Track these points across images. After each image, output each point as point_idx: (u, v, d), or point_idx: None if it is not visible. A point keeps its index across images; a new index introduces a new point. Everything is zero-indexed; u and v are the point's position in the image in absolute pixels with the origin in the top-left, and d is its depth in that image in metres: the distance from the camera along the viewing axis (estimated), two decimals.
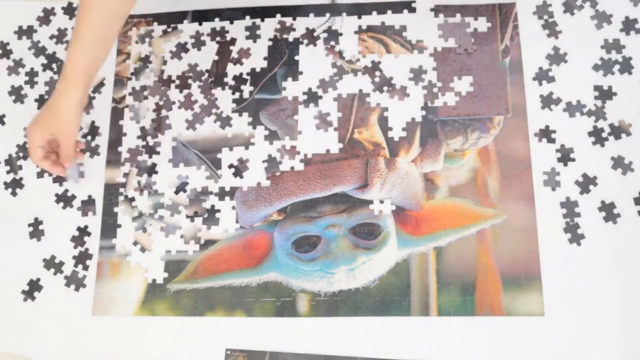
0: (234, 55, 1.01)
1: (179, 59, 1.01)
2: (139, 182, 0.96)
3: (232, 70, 1.00)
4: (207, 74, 1.00)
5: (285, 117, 0.97)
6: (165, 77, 1.01)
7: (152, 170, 0.96)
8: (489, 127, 0.93)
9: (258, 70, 1.00)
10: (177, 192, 0.95)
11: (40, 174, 0.98)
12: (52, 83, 1.02)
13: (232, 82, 0.99)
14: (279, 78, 0.99)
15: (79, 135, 0.96)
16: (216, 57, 1.01)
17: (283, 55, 1.00)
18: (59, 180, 0.97)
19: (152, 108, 0.99)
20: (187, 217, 0.94)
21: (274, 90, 0.99)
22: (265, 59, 1.00)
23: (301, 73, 0.99)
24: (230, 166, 0.95)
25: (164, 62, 1.01)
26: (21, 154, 0.99)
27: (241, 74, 1.00)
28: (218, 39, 1.02)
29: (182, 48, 1.02)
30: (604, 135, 0.91)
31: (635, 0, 0.97)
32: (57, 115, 0.87)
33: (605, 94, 0.93)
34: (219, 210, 0.93)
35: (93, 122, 1.00)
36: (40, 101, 1.01)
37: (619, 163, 0.90)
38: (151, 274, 0.92)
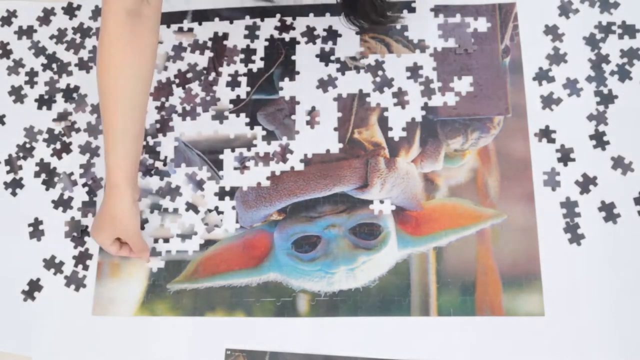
0: (229, 46, 1.01)
1: (180, 60, 1.01)
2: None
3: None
4: (206, 72, 1.00)
5: (283, 117, 0.97)
6: (164, 78, 1.00)
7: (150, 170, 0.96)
8: (489, 127, 0.93)
9: (255, 70, 1.00)
10: (144, 175, 0.96)
11: (37, 174, 0.98)
12: (52, 83, 1.02)
13: (243, 56, 1.00)
14: (275, 78, 0.99)
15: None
16: (211, 54, 1.01)
17: (280, 55, 1.00)
18: (52, 184, 0.97)
19: (155, 109, 0.99)
20: (186, 210, 0.94)
21: (270, 90, 0.99)
22: (262, 59, 1.00)
23: (298, 73, 0.99)
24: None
25: (165, 67, 1.01)
26: (21, 154, 0.99)
27: (248, 45, 1.01)
28: (211, 36, 1.02)
29: (180, 49, 1.02)
30: (605, 139, 0.91)
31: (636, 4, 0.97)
32: (114, 222, 0.85)
33: (606, 98, 0.93)
34: (222, 212, 0.93)
35: (90, 122, 1.00)
36: (40, 101, 1.01)
37: (619, 163, 0.90)
38: (151, 273, 0.92)
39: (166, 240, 0.93)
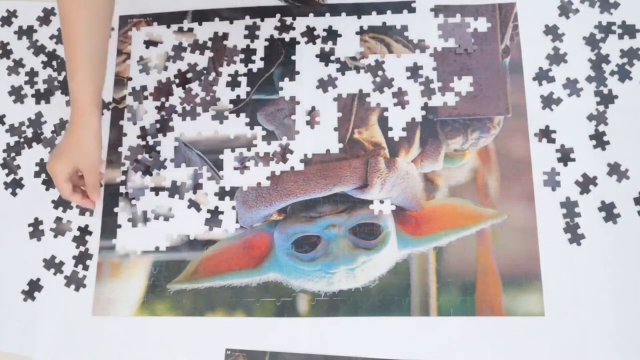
0: (229, 46, 1.01)
1: (180, 60, 1.01)
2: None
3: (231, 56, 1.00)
4: (206, 72, 1.00)
5: (283, 117, 0.97)
6: (164, 78, 1.00)
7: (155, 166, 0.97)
8: (489, 127, 0.94)
9: (255, 70, 1.00)
10: (144, 174, 0.96)
11: (37, 174, 0.98)
12: (51, 81, 1.02)
13: (243, 56, 1.00)
14: (275, 78, 0.99)
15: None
16: (211, 54, 1.01)
17: (279, 55, 1.00)
18: (52, 184, 0.97)
19: (155, 109, 0.99)
20: (189, 207, 0.94)
21: (271, 90, 0.99)
22: (262, 59, 1.00)
23: (298, 73, 0.99)
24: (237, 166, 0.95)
25: (165, 67, 1.01)
26: (13, 154, 0.99)
27: (248, 45, 1.01)
28: (211, 36, 1.02)
29: (180, 49, 1.02)
30: (605, 139, 0.91)
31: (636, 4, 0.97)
32: (79, 147, 0.87)
33: (606, 98, 0.93)
34: (222, 212, 0.93)
35: None
36: (38, 97, 1.01)
37: (615, 169, 0.90)
38: (151, 273, 0.92)
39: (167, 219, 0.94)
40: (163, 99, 1.00)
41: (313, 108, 0.96)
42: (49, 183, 0.97)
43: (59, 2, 0.86)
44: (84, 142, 0.87)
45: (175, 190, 0.95)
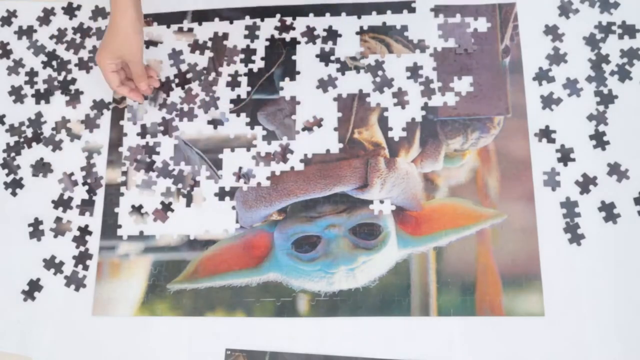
0: (230, 46, 1.01)
1: (180, 60, 1.01)
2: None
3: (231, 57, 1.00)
4: (206, 72, 1.00)
5: (283, 117, 0.97)
6: (163, 78, 1.01)
7: (151, 166, 0.96)
8: (489, 127, 0.94)
9: (255, 70, 1.00)
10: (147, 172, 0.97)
11: (37, 174, 0.98)
12: (51, 81, 1.02)
13: (243, 56, 1.00)
14: (276, 78, 0.99)
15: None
16: (211, 54, 1.01)
17: (280, 55, 1.00)
18: (52, 184, 0.97)
19: (157, 110, 0.99)
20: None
21: (271, 90, 0.99)
22: (262, 59, 1.00)
23: (298, 73, 0.99)
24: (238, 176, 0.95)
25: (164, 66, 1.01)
26: (13, 154, 0.99)
27: (248, 45, 1.01)
28: (211, 36, 1.02)
29: (180, 48, 1.02)
30: (605, 139, 0.91)
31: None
32: (118, 36, 0.89)
33: (606, 98, 0.93)
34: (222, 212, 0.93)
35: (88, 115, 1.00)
36: (38, 97, 1.01)
37: (615, 169, 0.90)
38: (151, 273, 0.92)
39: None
40: (165, 100, 0.99)
41: (314, 118, 0.96)
42: (49, 183, 0.97)
43: None
44: (123, 31, 0.88)
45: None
